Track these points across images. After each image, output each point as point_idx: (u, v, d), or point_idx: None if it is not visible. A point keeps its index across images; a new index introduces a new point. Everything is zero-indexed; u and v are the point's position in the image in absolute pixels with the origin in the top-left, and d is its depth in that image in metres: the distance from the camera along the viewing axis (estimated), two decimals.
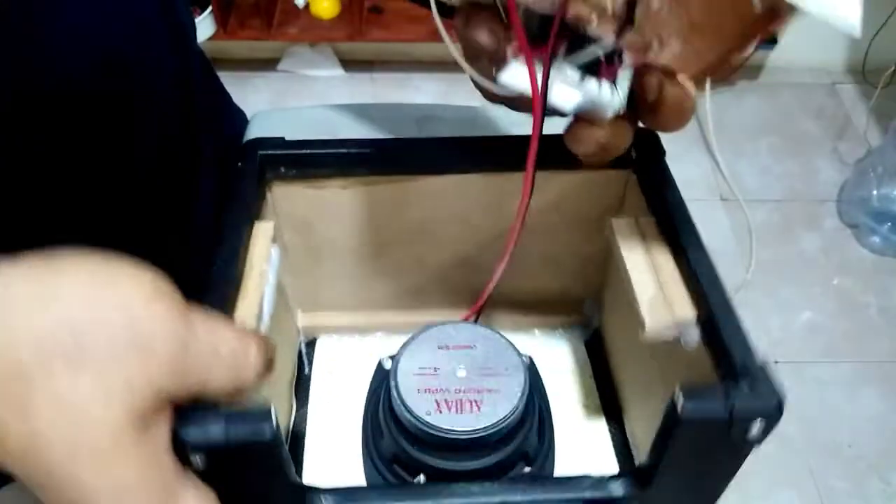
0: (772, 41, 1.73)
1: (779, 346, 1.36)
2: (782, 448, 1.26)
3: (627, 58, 0.27)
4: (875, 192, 1.51)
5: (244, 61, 1.81)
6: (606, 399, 0.45)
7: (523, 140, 0.33)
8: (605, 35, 0.26)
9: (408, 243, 0.43)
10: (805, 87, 1.87)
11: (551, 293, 0.47)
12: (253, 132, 0.65)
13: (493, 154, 0.39)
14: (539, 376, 0.43)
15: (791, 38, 1.74)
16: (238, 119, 0.66)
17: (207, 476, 0.25)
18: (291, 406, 0.43)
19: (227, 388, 0.25)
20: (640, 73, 0.29)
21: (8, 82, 0.34)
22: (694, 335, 0.31)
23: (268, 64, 1.82)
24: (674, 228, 0.34)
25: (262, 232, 0.36)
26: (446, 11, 0.32)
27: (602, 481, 0.29)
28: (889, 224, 1.51)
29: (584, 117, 0.30)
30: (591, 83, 0.29)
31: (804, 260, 1.52)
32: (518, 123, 0.57)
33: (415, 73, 1.85)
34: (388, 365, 0.40)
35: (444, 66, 1.84)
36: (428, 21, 1.72)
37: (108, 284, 0.23)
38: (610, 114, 0.30)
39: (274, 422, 0.25)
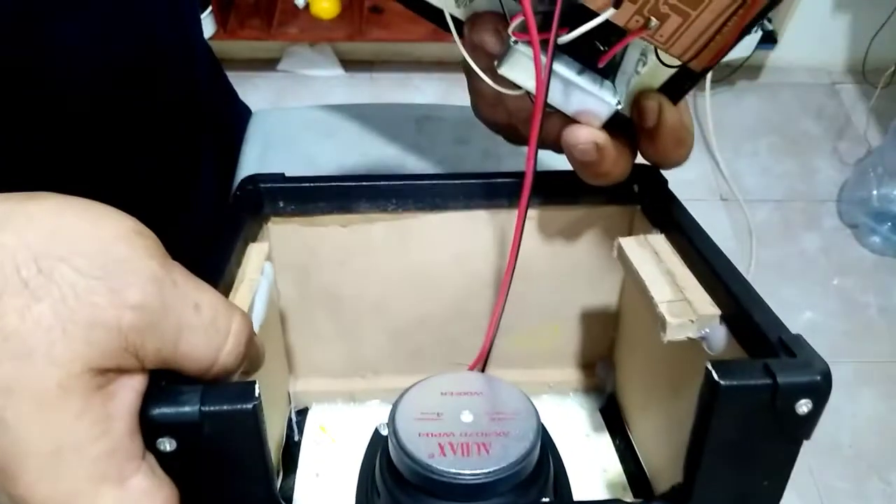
0: (772, 41, 1.73)
1: None
2: None
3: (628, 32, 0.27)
4: (875, 192, 1.51)
5: (244, 61, 1.81)
6: (627, 463, 0.42)
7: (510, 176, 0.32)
8: (602, 7, 0.26)
9: (408, 294, 0.41)
10: (805, 87, 1.87)
11: (560, 352, 0.44)
12: (253, 132, 0.65)
13: (497, 190, 0.37)
14: (552, 441, 0.39)
15: (791, 38, 1.75)
16: (243, 118, 0.66)
17: (174, 468, 0.21)
18: (278, 473, 0.41)
19: (200, 360, 0.22)
20: (638, 99, 0.29)
21: (9, 84, 0.34)
22: (720, 333, 0.29)
23: (268, 64, 1.82)
24: (687, 239, 0.32)
25: (256, 250, 0.35)
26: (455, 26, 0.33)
27: None
28: (889, 224, 1.51)
29: (582, 118, 0.30)
30: (590, 77, 0.29)
31: (804, 260, 1.52)
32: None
33: (415, 73, 1.85)
34: (384, 431, 0.35)
35: (444, 66, 1.84)
36: (428, 21, 1.72)
37: (85, 216, 0.20)
38: (609, 111, 0.29)
39: (257, 395, 0.22)
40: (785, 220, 1.60)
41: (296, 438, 0.43)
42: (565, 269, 0.40)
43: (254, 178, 0.37)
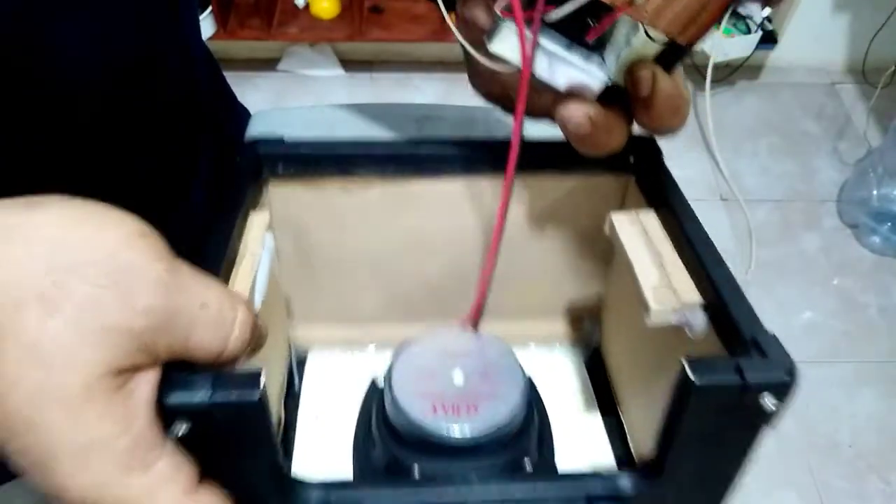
0: (772, 41, 1.73)
1: None
2: (782, 448, 1.26)
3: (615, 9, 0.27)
4: (875, 192, 1.51)
5: (244, 61, 1.81)
6: (607, 415, 0.44)
7: (526, 143, 0.33)
8: None
9: (403, 252, 0.42)
10: (805, 87, 1.87)
11: (549, 306, 0.46)
12: (252, 132, 0.65)
13: (494, 156, 0.38)
14: (538, 393, 0.41)
15: (791, 38, 1.75)
16: (242, 119, 0.66)
17: (188, 448, 0.23)
18: (280, 420, 0.42)
19: (210, 350, 0.23)
20: (632, 69, 0.30)
21: (9, 84, 0.34)
22: (700, 320, 0.31)
23: (268, 64, 1.82)
24: (677, 220, 0.34)
25: (257, 221, 0.35)
26: (448, 5, 0.33)
27: (610, 476, 0.28)
28: (889, 224, 1.51)
29: (574, 92, 0.30)
30: (579, 52, 0.30)
31: (804, 260, 1.52)
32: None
33: (415, 73, 1.85)
34: (381, 383, 0.38)
35: (444, 66, 1.85)
36: (428, 21, 1.72)
37: (89, 223, 0.21)
38: (599, 85, 0.30)
39: (262, 385, 0.23)
40: (785, 220, 1.60)
41: (296, 383, 0.44)
42: (558, 233, 0.42)
43: (253, 143, 0.37)
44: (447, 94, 1.79)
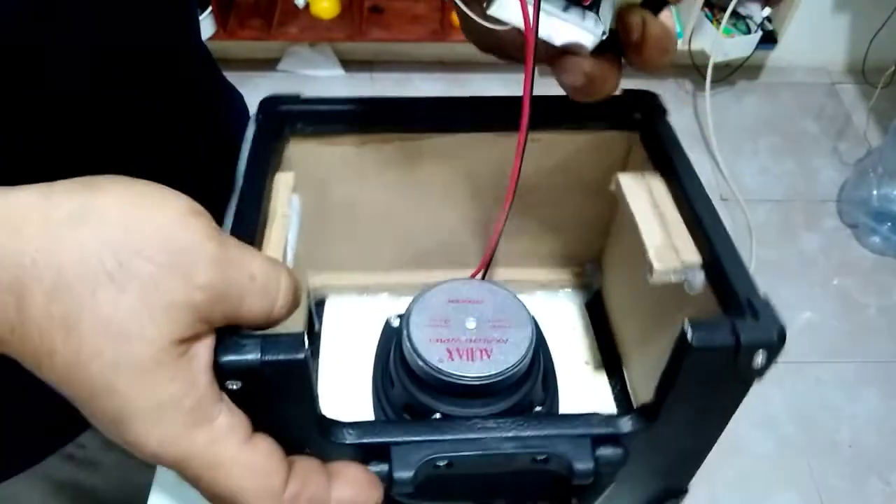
0: (772, 41, 1.73)
1: None
2: (782, 448, 1.26)
3: None
4: (875, 192, 1.51)
5: (244, 61, 1.82)
6: (607, 356, 0.47)
7: (536, 100, 0.34)
8: None
9: (417, 206, 0.45)
10: (805, 87, 1.87)
11: (554, 254, 0.49)
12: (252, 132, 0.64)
13: (505, 113, 0.40)
14: (542, 335, 0.44)
15: (791, 38, 1.75)
16: (242, 118, 0.66)
17: (240, 402, 0.26)
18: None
19: (259, 316, 0.26)
20: (622, 15, 0.32)
21: (9, 84, 0.34)
22: (699, 278, 0.33)
23: (268, 64, 1.82)
24: (679, 180, 0.36)
25: (283, 181, 0.37)
26: None
27: (611, 417, 0.30)
28: (889, 224, 1.51)
29: (570, 49, 0.32)
30: (576, 12, 0.32)
31: (804, 260, 1.52)
32: None
33: (415, 73, 1.85)
34: (395, 323, 0.41)
35: (444, 66, 1.85)
36: (428, 21, 1.72)
37: (147, 204, 0.24)
38: (594, 41, 0.32)
39: (306, 346, 0.26)
40: (785, 220, 1.60)
41: (316, 326, 0.48)
42: (565, 186, 0.44)
43: (274, 101, 0.39)
44: (447, 94, 1.79)
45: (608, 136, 0.41)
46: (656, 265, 0.34)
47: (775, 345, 0.28)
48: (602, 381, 0.46)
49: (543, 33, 0.31)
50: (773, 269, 1.48)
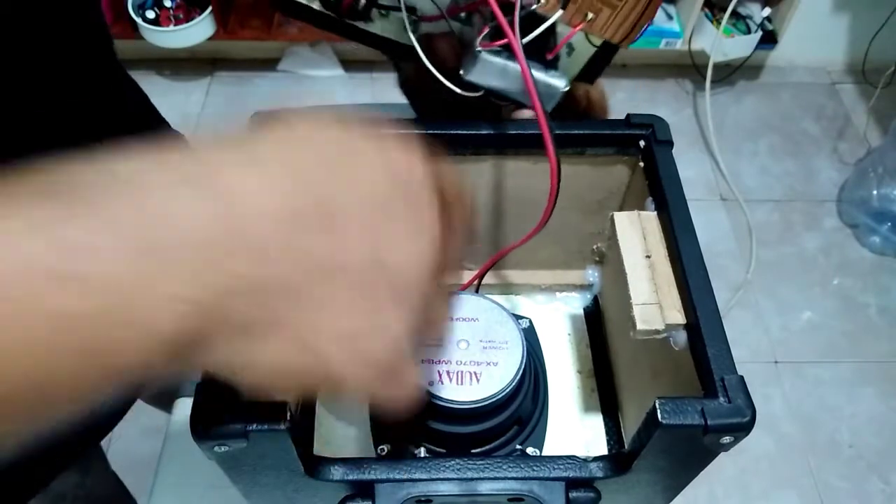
0: (772, 41, 1.73)
1: (779, 346, 1.36)
2: (782, 448, 1.26)
3: (570, 27, 0.34)
4: (875, 192, 1.51)
5: (244, 61, 1.82)
6: (600, 365, 0.47)
7: (524, 128, 0.37)
8: (551, 10, 0.33)
9: None
10: (805, 87, 1.87)
11: (554, 259, 0.50)
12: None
13: (501, 140, 0.42)
14: (537, 339, 0.45)
15: (791, 38, 1.75)
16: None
17: (228, 463, 0.29)
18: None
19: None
20: (569, 93, 0.36)
21: None
22: (682, 338, 0.34)
23: (268, 64, 1.82)
24: (672, 226, 0.36)
25: None
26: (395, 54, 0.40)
27: (585, 462, 0.32)
28: (889, 224, 1.51)
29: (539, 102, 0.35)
30: (539, 69, 0.35)
31: (804, 260, 1.52)
32: None
33: None
34: None
35: None
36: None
37: (402, 154, 0.26)
38: (559, 93, 0.36)
39: (289, 416, 0.28)
40: (785, 219, 1.60)
41: None
42: (570, 202, 0.45)
43: (261, 116, 0.39)
44: None
45: (612, 160, 0.43)
46: (639, 325, 0.34)
47: (744, 428, 0.29)
48: (593, 390, 0.46)
49: (516, 92, 0.35)
50: (772, 269, 1.48)
